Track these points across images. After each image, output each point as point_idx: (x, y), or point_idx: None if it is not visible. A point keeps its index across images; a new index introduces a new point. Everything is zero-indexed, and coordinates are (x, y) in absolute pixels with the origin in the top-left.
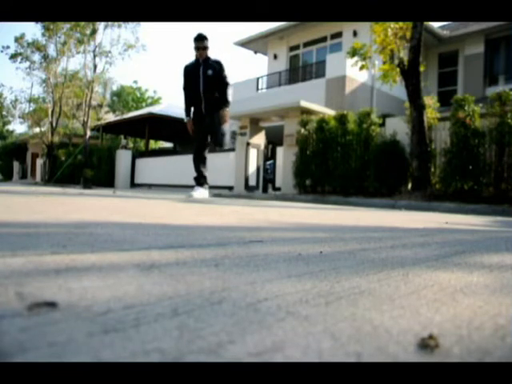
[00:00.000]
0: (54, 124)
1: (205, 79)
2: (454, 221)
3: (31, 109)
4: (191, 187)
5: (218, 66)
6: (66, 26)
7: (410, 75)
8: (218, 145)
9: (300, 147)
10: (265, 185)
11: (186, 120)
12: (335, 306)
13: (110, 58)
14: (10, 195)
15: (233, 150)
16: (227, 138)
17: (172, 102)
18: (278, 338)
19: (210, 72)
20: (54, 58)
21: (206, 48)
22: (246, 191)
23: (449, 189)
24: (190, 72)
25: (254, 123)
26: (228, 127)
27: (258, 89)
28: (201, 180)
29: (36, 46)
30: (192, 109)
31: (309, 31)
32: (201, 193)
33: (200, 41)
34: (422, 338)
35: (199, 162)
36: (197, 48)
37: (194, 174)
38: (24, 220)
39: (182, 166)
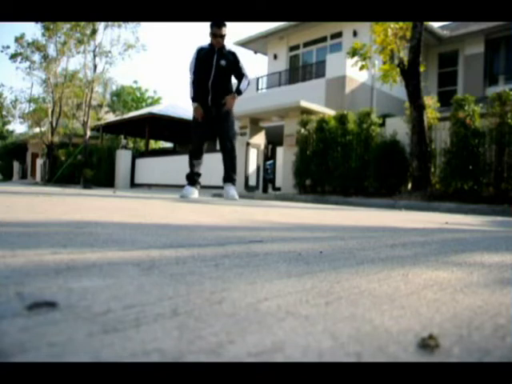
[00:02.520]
0: (54, 124)
1: (217, 70)
2: (454, 221)
3: (31, 109)
4: None
5: (232, 57)
6: (66, 26)
7: (410, 75)
8: (227, 142)
9: (300, 147)
10: (265, 185)
11: (193, 106)
12: (335, 305)
13: (110, 58)
14: (9, 195)
15: None
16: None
17: (172, 102)
18: (278, 338)
19: (223, 62)
20: (54, 58)
21: (223, 36)
22: (245, 191)
23: (449, 189)
24: (203, 58)
25: (254, 123)
26: (236, 125)
27: (257, 89)
28: (194, 178)
29: (36, 46)
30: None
31: (309, 31)
32: (190, 192)
33: (219, 27)
34: (422, 338)
35: (195, 159)
36: (214, 35)
37: (188, 171)
38: (24, 220)
39: (181, 166)
